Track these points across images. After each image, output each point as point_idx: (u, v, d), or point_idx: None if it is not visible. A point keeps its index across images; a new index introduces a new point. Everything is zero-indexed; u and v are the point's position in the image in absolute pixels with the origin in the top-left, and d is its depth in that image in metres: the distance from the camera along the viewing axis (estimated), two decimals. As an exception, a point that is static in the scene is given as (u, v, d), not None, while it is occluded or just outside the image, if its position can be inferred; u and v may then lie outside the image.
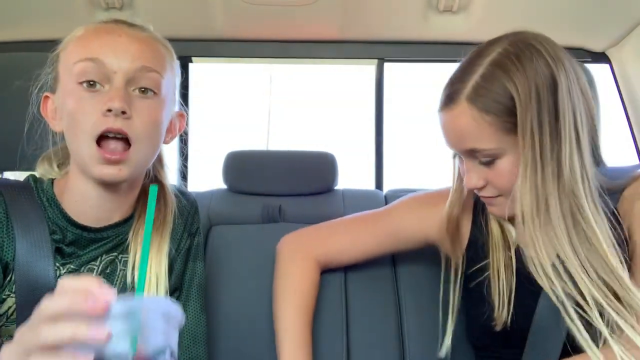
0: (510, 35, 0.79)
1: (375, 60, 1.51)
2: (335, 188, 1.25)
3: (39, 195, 0.79)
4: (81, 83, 0.73)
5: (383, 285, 1.07)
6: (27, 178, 0.82)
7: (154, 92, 0.76)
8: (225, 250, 1.12)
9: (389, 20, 1.37)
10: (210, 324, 0.98)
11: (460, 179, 0.87)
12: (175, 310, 0.51)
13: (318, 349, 1.00)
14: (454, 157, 0.86)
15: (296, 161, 1.23)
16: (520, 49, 0.76)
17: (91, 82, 0.73)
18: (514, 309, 0.81)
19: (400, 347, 1.02)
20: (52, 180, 0.82)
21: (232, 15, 1.33)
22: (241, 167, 1.22)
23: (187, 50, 1.45)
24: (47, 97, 0.80)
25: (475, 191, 0.83)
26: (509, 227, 0.86)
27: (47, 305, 0.47)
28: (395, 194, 1.21)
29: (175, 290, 0.88)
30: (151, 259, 0.80)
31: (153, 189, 0.56)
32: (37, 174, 0.83)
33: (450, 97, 0.78)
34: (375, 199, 1.22)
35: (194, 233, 0.92)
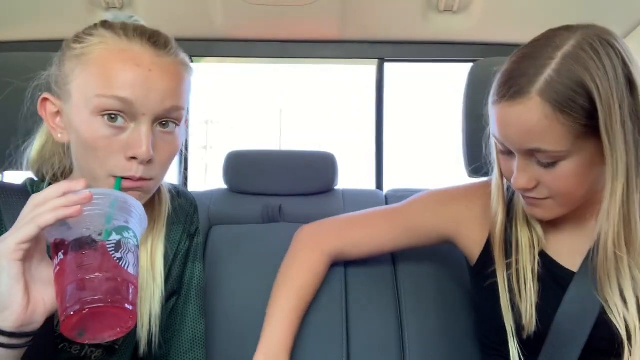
0: (581, 27, 0.72)
1: (376, 60, 1.51)
2: (336, 188, 1.25)
3: None
4: (102, 115, 0.67)
5: (383, 285, 1.07)
6: (25, 181, 0.80)
7: (176, 125, 0.72)
8: (225, 250, 1.12)
9: (389, 20, 1.37)
10: (210, 324, 0.98)
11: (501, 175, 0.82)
12: (137, 203, 0.61)
13: (318, 350, 1.00)
14: (500, 153, 0.78)
15: (296, 161, 1.23)
16: (597, 44, 0.68)
17: (113, 116, 0.67)
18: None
19: (401, 347, 1.02)
20: (50, 184, 0.80)
21: (233, 15, 1.33)
22: (241, 167, 1.22)
23: (187, 50, 1.42)
24: (46, 99, 0.73)
25: (519, 191, 0.77)
26: (538, 230, 0.82)
27: (40, 195, 0.57)
28: (396, 194, 1.21)
29: (175, 293, 0.87)
30: (145, 259, 0.79)
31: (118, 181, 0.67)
32: (35, 175, 0.82)
33: (517, 91, 0.69)
34: (376, 199, 1.22)
35: (193, 234, 0.91)
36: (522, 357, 0.80)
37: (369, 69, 1.55)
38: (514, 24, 1.33)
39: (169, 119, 0.71)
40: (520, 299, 0.79)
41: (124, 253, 0.57)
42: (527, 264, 0.80)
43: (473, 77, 1.12)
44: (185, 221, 0.89)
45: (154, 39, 0.71)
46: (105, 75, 0.67)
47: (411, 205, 0.98)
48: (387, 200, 1.21)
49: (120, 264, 0.56)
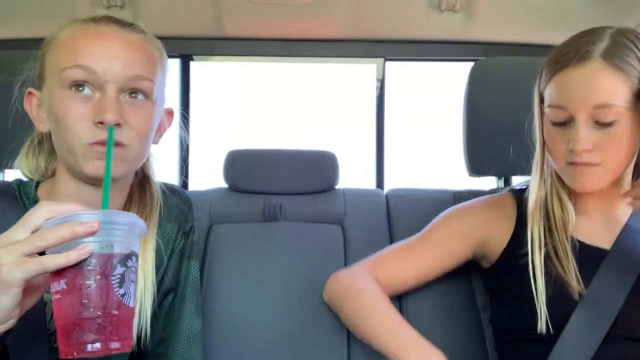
0: (607, 27, 0.85)
1: (377, 59, 1.51)
2: (336, 187, 1.25)
3: (22, 199, 0.79)
4: (70, 87, 0.71)
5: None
6: (12, 182, 0.81)
7: (145, 97, 0.75)
8: (226, 249, 1.12)
9: (390, 19, 1.37)
10: (209, 323, 0.98)
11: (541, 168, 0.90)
12: (139, 221, 0.58)
13: (319, 350, 1.00)
14: (554, 125, 0.84)
15: (297, 160, 1.23)
16: (631, 33, 0.82)
17: (80, 87, 0.71)
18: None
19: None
20: (37, 184, 0.81)
21: (234, 13, 1.33)
22: (242, 165, 1.22)
23: (188, 49, 1.44)
24: (30, 93, 0.78)
25: (574, 156, 0.82)
26: (571, 211, 0.88)
27: (52, 231, 0.54)
28: (396, 194, 1.21)
29: (170, 291, 0.87)
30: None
31: (110, 129, 0.67)
32: (22, 174, 0.83)
33: (582, 55, 0.81)
34: (376, 198, 1.22)
35: (188, 232, 0.91)
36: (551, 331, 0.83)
37: (370, 67, 1.54)
38: (515, 23, 1.33)
39: (135, 88, 0.73)
40: (563, 270, 0.84)
41: (127, 286, 0.55)
42: (565, 242, 0.86)
43: (474, 76, 1.12)
44: (180, 219, 0.89)
45: (120, 21, 0.76)
46: (70, 49, 0.72)
47: (436, 226, 0.98)
48: (388, 199, 1.20)
49: (123, 300, 0.55)
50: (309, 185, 1.21)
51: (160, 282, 0.85)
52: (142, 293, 0.79)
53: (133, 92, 0.74)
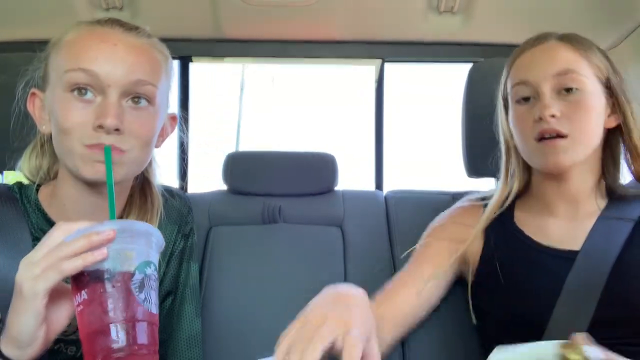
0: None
1: (376, 60, 1.51)
2: (335, 189, 1.25)
3: (23, 202, 0.78)
4: (72, 91, 0.70)
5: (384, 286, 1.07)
6: (12, 185, 0.81)
7: (148, 102, 0.74)
8: (225, 251, 1.12)
9: (389, 20, 1.37)
10: (209, 324, 0.98)
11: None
12: (156, 232, 0.58)
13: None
14: (520, 104, 0.88)
15: (296, 162, 1.23)
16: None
17: (83, 91, 0.70)
18: (537, 301, 0.83)
19: (401, 347, 1.02)
20: (38, 187, 0.81)
21: (233, 15, 1.33)
22: (241, 168, 1.22)
23: (187, 50, 1.44)
24: (34, 94, 0.77)
25: (543, 124, 0.83)
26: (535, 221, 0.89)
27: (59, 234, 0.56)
28: (396, 195, 1.21)
29: (170, 293, 0.87)
30: None
31: (107, 150, 0.66)
32: (23, 175, 0.83)
33: (538, 39, 0.89)
34: (375, 200, 1.22)
35: (188, 234, 0.91)
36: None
37: (369, 69, 1.55)
38: (514, 24, 1.33)
39: (138, 93, 0.73)
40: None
41: (147, 292, 0.56)
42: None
43: (473, 77, 1.12)
44: (180, 221, 0.90)
45: (126, 24, 0.75)
46: (74, 52, 0.71)
47: (420, 243, 0.97)
48: (387, 201, 1.21)
49: (144, 305, 0.55)
50: (308, 187, 1.21)
51: (159, 284, 0.85)
52: None
53: (136, 97, 0.73)
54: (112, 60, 0.70)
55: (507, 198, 0.94)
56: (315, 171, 1.22)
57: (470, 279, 0.93)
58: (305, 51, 1.46)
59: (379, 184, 1.51)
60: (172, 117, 0.85)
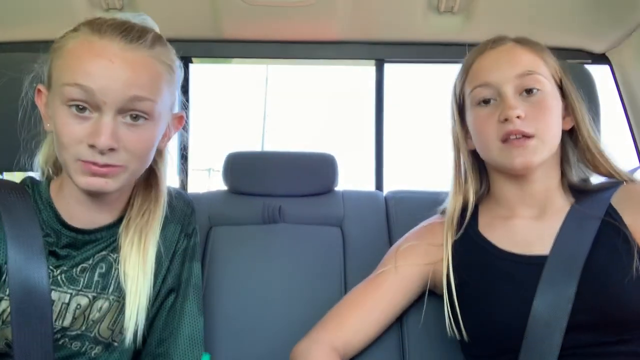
0: None
1: (375, 61, 1.51)
2: (335, 189, 1.25)
3: (35, 198, 0.79)
4: (70, 106, 0.70)
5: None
6: (25, 180, 0.82)
7: (146, 118, 0.73)
8: (225, 251, 1.12)
9: (389, 20, 1.37)
10: (209, 324, 0.98)
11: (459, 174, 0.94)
12: None
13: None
14: (480, 106, 0.88)
15: (296, 162, 1.23)
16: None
17: (80, 107, 0.69)
18: (508, 311, 0.81)
19: (401, 347, 1.02)
20: (49, 182, 0.81)
21: (232, 15, 1.33)
22: (241, 168, 1.22)
23: (187, 51, 1.44)
24: (40, 90, 0.77)
25: (508, 125, 0.83)
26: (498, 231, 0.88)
27: None
28: (396, 195, 1.21)
29: (172, 291, 0.88)
30: (137, 253, 0.80)
31: None
32: (36, 174, 0.83)
33: (495, 41, 0.90)
34: (375, 200, 1.22)
35: (191, 234, 0.91)
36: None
37: (368, 69, 1.54)
38: (514, 25, 1.33)
39: (135, 110, 0.71)
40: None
41: None
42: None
43: (473, 78, 1.12)
44: (183, 221, 0.90)
45: (126, 32, 0.72)
46: (71, 66, 0.70)
47: (384, 265, 0.95)
48: (387, 201, 1.21)
49: None
50: (308, 188, 1.21)
51: (162, 282, 0.86)
52: (140, 291, 0.79)
53: (134, 115, 0.72)
54: (107, 77, 0.69)
55: (466, 207, 0.92)
56: (316, 171, 1.22)
57: (444, 293, 0.89)
58: (305, 52, 1.46)
59: (379, 184, 1.51)
60: (179, 117, 0.84)
